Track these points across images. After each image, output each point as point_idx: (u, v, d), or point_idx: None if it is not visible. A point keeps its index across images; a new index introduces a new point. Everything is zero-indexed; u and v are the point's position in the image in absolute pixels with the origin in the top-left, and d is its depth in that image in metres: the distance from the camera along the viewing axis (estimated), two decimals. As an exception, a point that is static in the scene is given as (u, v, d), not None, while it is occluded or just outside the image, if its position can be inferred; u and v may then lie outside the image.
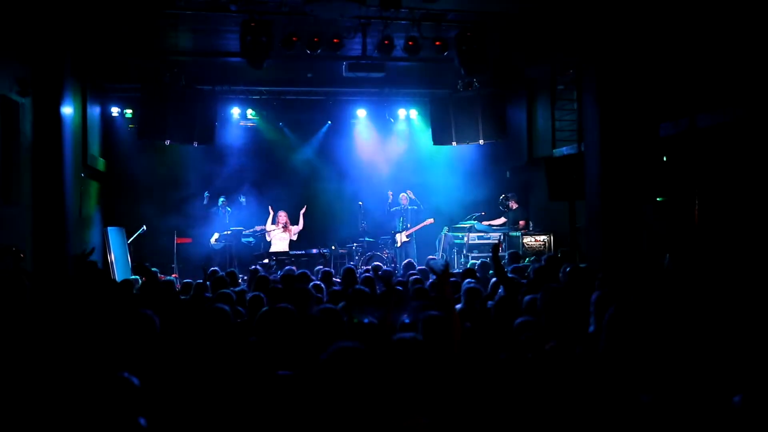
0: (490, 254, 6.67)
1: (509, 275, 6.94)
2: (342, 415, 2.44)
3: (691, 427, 2.86)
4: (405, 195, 13.34)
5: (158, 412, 3.12)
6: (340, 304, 5.60)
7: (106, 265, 11.70)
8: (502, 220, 13.06)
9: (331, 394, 2.48)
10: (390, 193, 13.50)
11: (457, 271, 9.93)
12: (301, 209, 13.20)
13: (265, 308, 4.82)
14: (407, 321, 4.52)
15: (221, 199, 13.55)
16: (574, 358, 3.21)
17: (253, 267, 10.18)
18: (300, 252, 12.52)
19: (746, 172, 7.89)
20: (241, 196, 13.67)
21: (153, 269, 9.68)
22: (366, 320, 4.19)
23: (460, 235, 12.65)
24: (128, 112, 13.34)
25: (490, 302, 5.15)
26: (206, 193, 13.44)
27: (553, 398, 2.96)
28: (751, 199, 7.77)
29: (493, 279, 6.12)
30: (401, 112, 14.71)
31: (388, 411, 2.49)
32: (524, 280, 6.50)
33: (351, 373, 2.49)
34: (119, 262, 12.08)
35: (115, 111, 13.21)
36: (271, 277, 8.20)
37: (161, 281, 7.84)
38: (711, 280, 6.35)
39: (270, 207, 13.12)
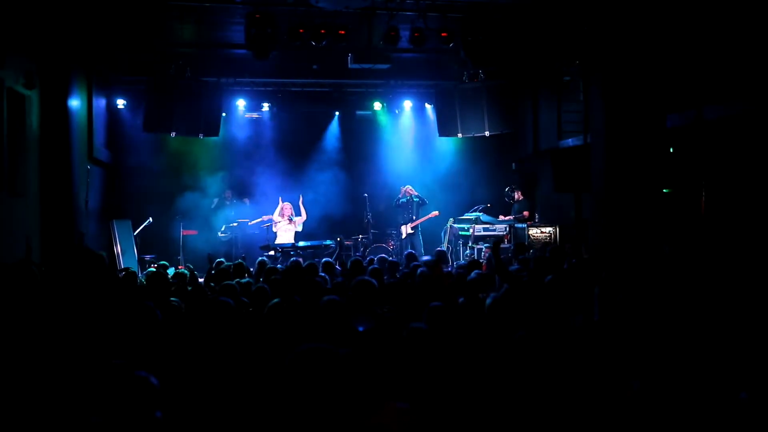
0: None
1: (515, 266, 6.97)
2: (311, 411, 2.48)
3: (693, 417, 2.87)
4: (409, 187, 13.37)
5: (168, 403, 3.15)
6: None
7: (113, 258, 11.74)
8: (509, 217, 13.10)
9: (298, 395, 2.52)
10: (402, 188, 13.50)
11: (462, 263, 9.94)
12: (299, 200, 13.19)
13: (275, 300, 4.84)
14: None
15: (226, 192, 13.61)
16: (571, 345, 3.22)
17: (260, 259, 10.19)
18: (306, 244, 12.52)
19: (753, 165, 7.85)
20: (246, 199, 13.67)
21: (162, 262, 9.75)
22: (361, 328, 4.19)
23: (465, 226, 12.64)
24: (121, 102, 13.24)
25: (493, 294, 5.15)
26: (215, 200, 13.45)
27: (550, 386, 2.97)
28: (758, 192, 7.74)
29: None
30: (407, 104, 14.68)
31: (361, 402, 2.52)
32: (525, 273, 6.49)
33: (317, 374, 2.52)
34: (126, 255, 12.13)
35: (120, 103, 13.22)
36: (279, 268, 8.21)
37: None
38: (717, 271, 6.34)
39: (280, 198, 13.14)
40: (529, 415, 2.94)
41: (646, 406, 2.89)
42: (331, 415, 2.46)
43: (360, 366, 2.77)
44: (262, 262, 8.69)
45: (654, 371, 3.17)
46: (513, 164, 14.31)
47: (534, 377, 3.06)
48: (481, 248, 11.96)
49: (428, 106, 14.61)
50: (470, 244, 12.38)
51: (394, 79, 13.60)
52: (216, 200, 13.40)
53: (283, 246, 12.40)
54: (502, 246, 11.54)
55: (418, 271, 6.56)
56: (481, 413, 2.95)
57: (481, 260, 9.39)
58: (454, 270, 7.33)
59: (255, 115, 14.49)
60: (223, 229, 13.24)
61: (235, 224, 13.23)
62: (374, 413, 2.46)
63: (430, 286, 5.53)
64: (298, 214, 13.13)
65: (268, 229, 13.19)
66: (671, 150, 9.26)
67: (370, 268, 7.24)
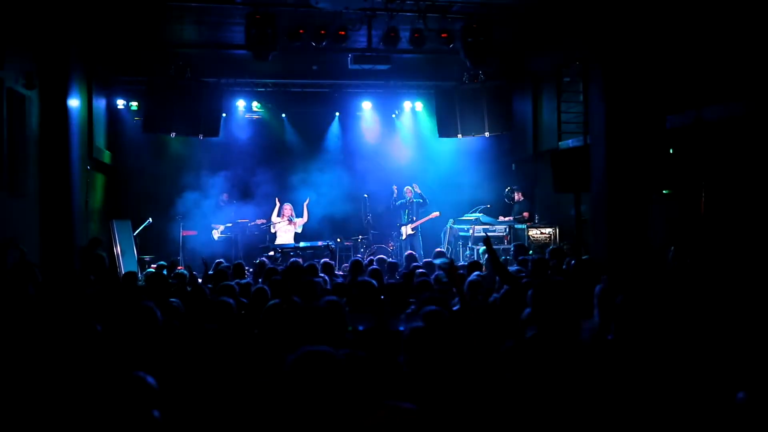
0: (496, 246, 6.68)
1: (516, 267, 6.97)
2: (311, 412, 2.49)
3: (695, 419, 2.87)
4: (410, 188, 13.36)
5: (167, 403, 3.16)
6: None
7: (113, 259, 11.74)
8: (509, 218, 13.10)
9: (298, 399, 2.54)
10: (394, 187, 13.53)
11: (462, 263, 9.95)
12: (305, 202, 13.19)
13: (273, 301, 4.83)
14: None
15: (224, 195, 13.61)
16: (576, 347, 3.22)
17: (260, 259, 10.20)
18: (305, 244, 12.53)
19: (753, 165, 7.85)
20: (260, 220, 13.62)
21: (161, 263, 9.75)
22: (361, 327, 4.19)
23: (465, 227, 12.64)
24: (134, 104, 13.36)
25: (495, 294, 5.16)
26: (217, 226, 13.43)
27: (556, 389, 2.97)
28: (758, 192, 7.74)
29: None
30: (407, 105, 14.69)
31: (362, 403, 2.53)
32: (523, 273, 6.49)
33: (317, 377, 2.54)
34: (125, 255, 12.13)
35: (120, 103, 13.23)
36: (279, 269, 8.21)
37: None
38: (717, 272, 6.34)
39: (277, 198, 13.13)
40: (533, 416, 2.94)
41: (650, 405, 2.90)
42: (332, 417, 2.46)
43: (360, 368, 2.77)
44: (261, 263, 8.69)
45: (655, 371, 3.18)
46: (513, 165, 14.32)
47: (538, 378, 3.06)
48: (480, 249, 11.96)
49: (428, 107, 14.62)
50: (470, 245, 12.38)
51: (394, 80, 13.62)
52: (217, 227, 13.34)
53: (282, 246, 12.40)
54: (502, 247, 11.57)
55: (434, 275, 6.55)
56: (484, 415, 2.94)
57: (481, 261, 9.39)
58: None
59: (255, 115, 14.50)
60: (221, 230, 13.25)
61: (230, 224, 13.22)
62: (376, 414, 2.46)
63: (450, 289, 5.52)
64: (300, 215, 13.12)
65: (267, 229, 13.19)
66: (671, 151, 9.26)
67: (369, 269, 7.25)
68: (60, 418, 3.01)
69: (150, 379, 2.86)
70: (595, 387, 2.97)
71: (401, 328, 3.77)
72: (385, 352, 3.52)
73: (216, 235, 13.25)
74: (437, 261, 7.68)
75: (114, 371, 3.06)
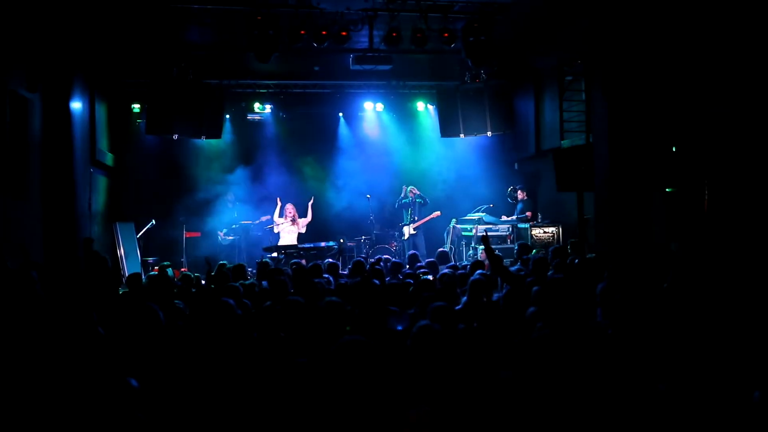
0: (499, 246, 6.66)
1: (518, 266, 6.96)
2: (347, 404, 2.48)
3: (704, 417, 2.86)
4: (413, 188, 13.37)
5: (162, 404, 3.16)
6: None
7: (116, 260, 11.76)
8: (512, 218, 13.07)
9: (337, 386, 2.52)
10: (404, 187, 13.51)
11: (465, 263, 9.93)
12: (309, 201, 13.18)
13: (267, 303, 4.84)
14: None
15: (230, 195, 13.63)
16: (582, 344, 3.21)
17: (263, 260, 10.19)
18: (309, 245, 12.51)
19: (756, 161, 7.83)
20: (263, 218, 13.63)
21: (165, 263, 9.76)
22: (399, 327, 4.18)
23: (468, 227, 12.62)
24: (136, 106, 13.39)
25: (496, 294, 5.15)
26: (223, 230, 13.45)
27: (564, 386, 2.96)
28: (761, 189, 7.72)
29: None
30: (409, 105, 14.68)
31: (394, 400, 2.53)
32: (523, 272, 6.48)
33: (356, 365, 2.53)
34: (129, 257, 12.14)
35: (123, 106, 13.25)
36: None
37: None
38: (720, 269, 6.32)
39: (278, 198, 13.11)
40: (542, 416, 2.93)
41: (660, 406, 2.89)
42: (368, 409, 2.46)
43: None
44: (264, 264, 8.68)
45: (664, 371, 3.16)
46: (515, 164, 14.31)
47: (546, 377, 3.05)
48: (479, 248, 11.94)
49: (430, 107, 14.63)
50: (473, 245, 12.36)
51: (396, 80, 13.61)
52: (225, 230, 13.37)
53: (286, 247, 12.38)
54: (504, 246, 11.56)
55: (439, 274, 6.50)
56: (495, 414, 2.94)
57: (484, 260, 9.38)
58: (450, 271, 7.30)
59: (257, 117, 14.52)
60: (225, 231, 13.26)
61: (236, 226, 13.24)
62: (399, 418, 2.46)
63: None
64: (304, 215, 13.09)
65: (271, 230, 13.20)
66: (673, 149, 9.24)
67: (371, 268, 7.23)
68: (62, 420, 3.01)
69: (133, 382, 2.87)
70: (598, 382, 2.97)
71: (399, 328, 3.77)
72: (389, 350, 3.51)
73: (221, 236, 13.28)
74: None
75: (112, 374, 3.06)
